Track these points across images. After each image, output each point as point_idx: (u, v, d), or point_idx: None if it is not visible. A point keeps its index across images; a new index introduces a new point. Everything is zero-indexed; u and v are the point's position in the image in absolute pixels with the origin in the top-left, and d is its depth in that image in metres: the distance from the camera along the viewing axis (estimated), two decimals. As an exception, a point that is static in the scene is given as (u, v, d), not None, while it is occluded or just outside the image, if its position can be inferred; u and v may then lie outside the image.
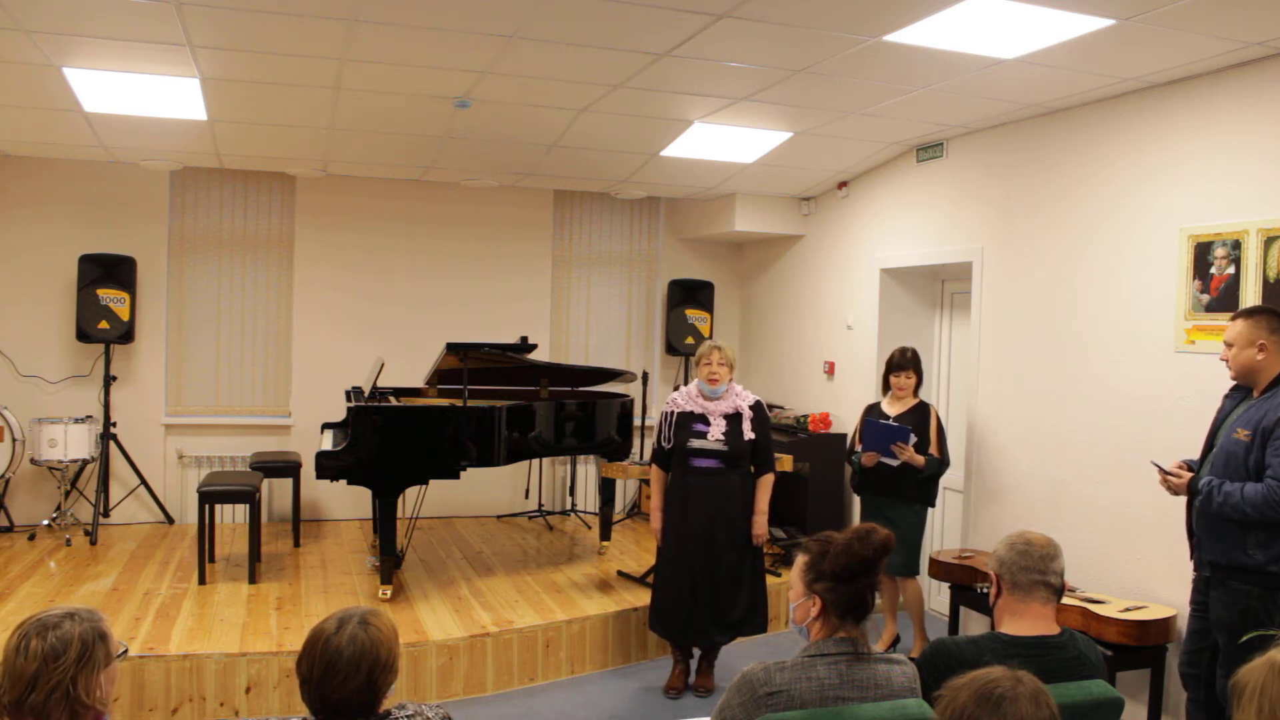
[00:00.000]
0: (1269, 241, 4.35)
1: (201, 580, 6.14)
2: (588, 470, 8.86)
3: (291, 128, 6.49)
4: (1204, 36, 4.22)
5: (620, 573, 6.73)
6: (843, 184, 7.73)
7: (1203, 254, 4.66)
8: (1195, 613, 4.03)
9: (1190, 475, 3.93)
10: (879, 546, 2.52)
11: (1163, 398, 4.86)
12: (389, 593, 5.93)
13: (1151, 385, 4.93)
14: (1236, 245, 4.50)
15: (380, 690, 2.26)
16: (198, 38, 4.72)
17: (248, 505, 6.46)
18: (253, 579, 6.21)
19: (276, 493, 8.07)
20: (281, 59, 5.05)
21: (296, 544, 7.31)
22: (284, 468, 7.44)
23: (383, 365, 6.66)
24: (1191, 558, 4.04)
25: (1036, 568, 2.78)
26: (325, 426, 7.15)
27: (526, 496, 8.80)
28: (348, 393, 7.16)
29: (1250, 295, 4.42)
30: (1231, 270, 4.52)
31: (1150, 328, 4.94)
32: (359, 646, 2.22)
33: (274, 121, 6.35)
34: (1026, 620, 2.78)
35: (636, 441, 8.02)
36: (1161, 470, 4.04)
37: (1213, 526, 3.82)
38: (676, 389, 5.52)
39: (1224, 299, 4.54)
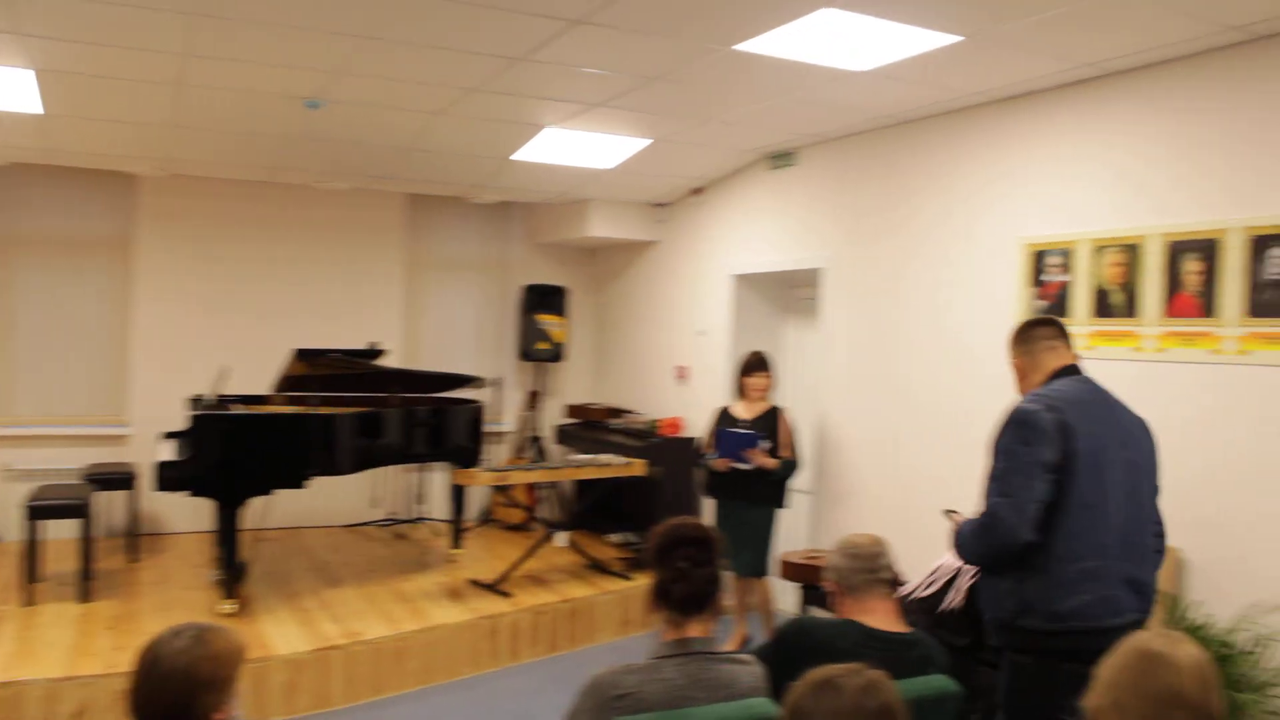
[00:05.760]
0: (1098, 251, 4.66)
1: (26, 602, 5.80)
2: (439, 477, 8.72)
3: (130, 124, 6.19)
4: (1042, 56, 4.48)
5: (471, 581, 6.65)
6: (697, 190, 7.83)
7: (1038, 262, 4.96)
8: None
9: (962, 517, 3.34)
10: (694, 525, 2.65)
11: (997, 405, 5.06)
12: (232, 608, 5.73)
13: (994, 391, 5.13)
14: (1069, 255, 4.79)
15: (196, 710, 2.12)
16: (28, 25, 4.48)
17: (79, 519, 6.14)
18: (84, 598, 5.90)
19: (114, 506, 7.68)
20: (119, 51, 4.83)
21: (134, 559, 6.98)
22: (119, 479, 7.09)
23: (226, 371, 6.43)
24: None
25: (867, 567, 2.93)
26: (166, 436, 6.84)
27: (375, 505, 8.62)
28: (190, 401, 6.88)
29: (1081, 301, 4.75)
30: (1065, 278, 4.82)
31: (991, 333, 5.05)
32: (178, 661, 2.11)
33: (112, 117, 6.05)
34: (875, 616, 2.91)
35: (488, 448, 7.95)
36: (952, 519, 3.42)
37: (982, 575, 3.28)
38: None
39: (1059, 305, 4.85)
